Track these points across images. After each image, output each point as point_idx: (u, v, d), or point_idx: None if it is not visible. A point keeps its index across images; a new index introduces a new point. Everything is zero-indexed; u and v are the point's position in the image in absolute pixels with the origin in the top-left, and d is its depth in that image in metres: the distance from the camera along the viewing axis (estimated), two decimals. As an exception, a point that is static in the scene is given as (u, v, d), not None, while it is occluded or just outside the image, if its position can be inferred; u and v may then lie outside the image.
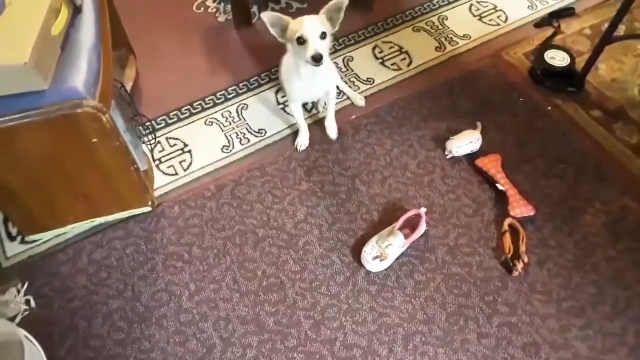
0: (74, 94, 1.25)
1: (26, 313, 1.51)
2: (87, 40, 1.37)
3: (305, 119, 1.90)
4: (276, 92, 2.05)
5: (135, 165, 1.53)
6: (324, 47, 1.51)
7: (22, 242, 1.66)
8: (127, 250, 1.63)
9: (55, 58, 1.28)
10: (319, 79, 1.70)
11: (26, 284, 1.56)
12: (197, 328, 1.48)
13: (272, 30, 1.55)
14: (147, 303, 1.53)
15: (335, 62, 2.13)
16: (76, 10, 1.42)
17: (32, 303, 1.53)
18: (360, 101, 1.99)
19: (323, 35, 1.51)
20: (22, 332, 1.33)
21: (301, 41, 1.50)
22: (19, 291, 1.55)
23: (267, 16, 1.52)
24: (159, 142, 1.89)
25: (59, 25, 1.31)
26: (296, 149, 1.86)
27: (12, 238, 1.67)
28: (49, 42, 1.26)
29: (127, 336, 1.47)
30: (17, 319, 1.49)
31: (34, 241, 1.66)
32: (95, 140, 1.35)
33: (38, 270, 1.59)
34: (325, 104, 1.96)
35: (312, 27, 1.50)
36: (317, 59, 1.48)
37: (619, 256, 1.59)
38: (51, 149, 1.36)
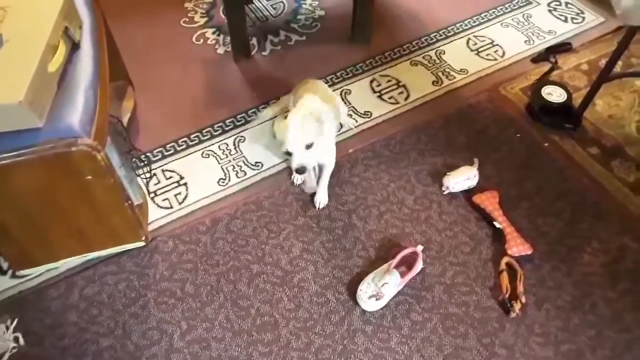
0: (70, 132, 1.24)
1: (14, 351, 1.48)
2: (84, 77, 1.37)
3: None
4: (273, 125, 2.04)
5: (129, 201, 1.52)
6: (310, 157, 1.55)
7: (13, 276, 1.63)
8: (119, 285, 1.61)
9: (51, 95, 1.28)
10: (312, 154, 1.59)
11: (16, 320, 1.54)
12: (188, 368, 1.46)
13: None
14: (138, 342, 1.50)
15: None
16: (74, 47, 1.42)
17: (21, 340, 1.50)
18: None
19: (310, 146, 1.53)
20: (9, 372, 1.31)
21: (287, 153, 1.54)
22: (7, 328, 1.52)
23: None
24: (154, 174, 1.89)
25: (57, 62, 1.31)
26: (292, 182, 1.85)
27: (2, 272, 1.64)
28: (45, 80, 1.26)
29: (117, 376, 1.45)
30: (5, 357, 1.46)
31: (25, 276, 1.63)
32: (89, 177, 1.34)
33: (28, 306, 1.57)
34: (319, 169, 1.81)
35: (296, 142, 1.52)
36: (301, 172, 1.53)
37: (618, 298, 1.57)
38: (45, 185, 1.35)
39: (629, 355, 1.46)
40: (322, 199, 1.78)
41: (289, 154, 1.54)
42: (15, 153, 1.22)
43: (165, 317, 1.54)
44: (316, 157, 1.64)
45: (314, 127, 1.54)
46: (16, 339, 1.50)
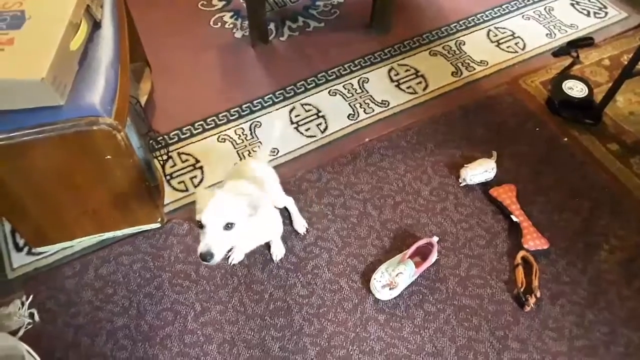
0: (91, 111, 1.24)
1: (29, 327, 1.50)
2: (106, 56, 1.36)
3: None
4: (290, 111, 2.04)
5: (147, 182, 1.52)
6: (225, 242, 1.19)
7: (29, 253, 1.65)
8: (134, 266, 1.61)
9: (72, 74, 1.28)
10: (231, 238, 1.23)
11: (31, 296, 1.55)
12: (201, 350, 1.46)
13: None
14: (152, 322, 1.51)
15: (350, 84, 2.12)
16: (95, 26, 1.42)
17: (36, 317, 1.51)
18: (301, 228, 1.70)
19: (229, 226, 1.18)
20: (24, 347, 1.32)
21: (200, 225, 1.19)
22: (23, 304, 1.53)
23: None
24: (170, 157, 1.88)
25: (78, 40, 1.31)
26: (273, 260, 1.63)
27: (19, 249, 1.66)
28: (67, 58, 1.25)
29: (130, 355, 1.45)
30: (20, 333, 1.48)
31: (41, 253, 1.64)
32: (109, 157, 1.34)
33: (43, 284, 1.58)
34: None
35: (214, 215, 1.17)
36: (204, 259, 1.16)
37: (634, 296, 1.55)
38: (64, 164, 1.35)
39: (643, 353, 1.45)
40: (277, 252, 1.63)
41: (200, 226, 1.19)
42: (36, 130, 1.22)
43: (179, 299, 1.55)
44: (242, 241, 1.38)
45: (244, 209, 1.22)
46: (31, 315, 1.51)
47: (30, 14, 1.27)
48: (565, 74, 2.10)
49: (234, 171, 1.58)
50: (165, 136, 1.94)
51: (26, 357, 1.29)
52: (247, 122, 2.01)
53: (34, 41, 1.21)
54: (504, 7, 2.45)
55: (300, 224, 1.70)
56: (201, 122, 2.00)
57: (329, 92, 2.11)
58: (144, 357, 1.45)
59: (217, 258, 1.17)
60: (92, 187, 1.46)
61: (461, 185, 1.80)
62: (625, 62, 1.82)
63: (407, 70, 2.19)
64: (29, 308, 1.53)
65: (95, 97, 1.26)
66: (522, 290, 1.54)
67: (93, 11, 1.39)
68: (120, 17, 1.54)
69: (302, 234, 1.69)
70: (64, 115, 1.22)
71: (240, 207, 1.22)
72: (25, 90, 1.17)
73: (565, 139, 1.93)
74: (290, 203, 1.70)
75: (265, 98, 2.09)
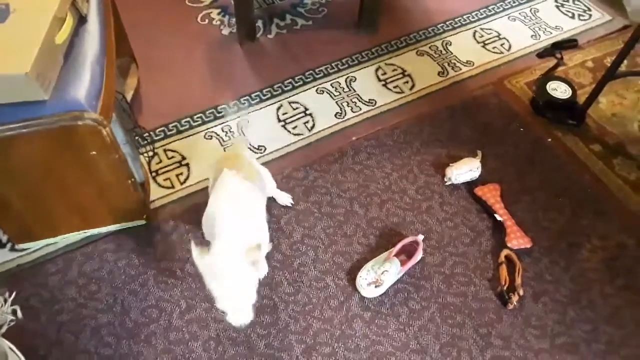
0: (75, 106, 1.23)
1: (12, 324, 1.47)
2: (91, 51, 1.35)
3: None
4: (277, 109, 2.04)
5: (132, 179, 1.51)
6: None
7: (12, 249, 1.62)
8: (118, 263, 1.60)
9: (57, 68, 1.26)
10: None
11: (14, 293, 1.53)
12: (186, 347, 1.46)
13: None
14: (137, 319, 1.50)
15: (337, 82, 2.13)
16: (81, 20, 1.41)
17: (19, 314, 1.49)
18: (287, 199, 1.74)
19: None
20: (7, 344, 1.31)
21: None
22: (5, 300, 1.51)
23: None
24: (156, 153, 1.87)
25: (63, 34, 1.30)
26: None
27: (1, 245, 1.63)
28: (52, 52, 1.24)
29: (115, 352, 1.44)
30: (3, 330, 1.45)
31: (24, 249, 1.62)
32: (94, 153, 1.33)
33: (26, 280, 1.56)
34: None
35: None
36: None
37: (616, 293, 1.58)
38: (48, 159, 1.34)
39: (624, 350, 1.48)
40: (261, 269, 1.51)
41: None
42: (20, 125, 1.21)
43: (164, 296, 1.54)
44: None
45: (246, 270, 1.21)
46: (14, 312, 1.49)
47: (14, 7, 1.25)
48: (549, 75, 2.13)
49: (223, 163, 1.47)
50: (151, 132, 1.93)
51: (9, 354, 1.28)
52: (234, 119, 2.00)
53: (18, 35, 1.20)
54: (490, 8, 2.48)
55: (285, 197, 1.72)
56: (188, 119, 1.99)
57: (316, 90, 2.11)
58: (128, 354, 1.44)
59: None
60: (76, 183, 1.44)
61: (446, 184, 1.81)
62: (609, 64, 1.85)
63: (394, 70, 2.20)
64: (11, 305, 1.50)
65: (80, 92, 1.25)
66: (505, 288, 1.56)
67: (79, 5, 1.38)
68: (106, 12, 1.53)
69: (291, 205, 1.72)
70: (48, 110, 1.21)
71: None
72: (9, 85, 1.16)
73: (550, 140, 1.95)
74: (269, 177, 1.66)
75: (253, 95, 2.08)
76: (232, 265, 1.19)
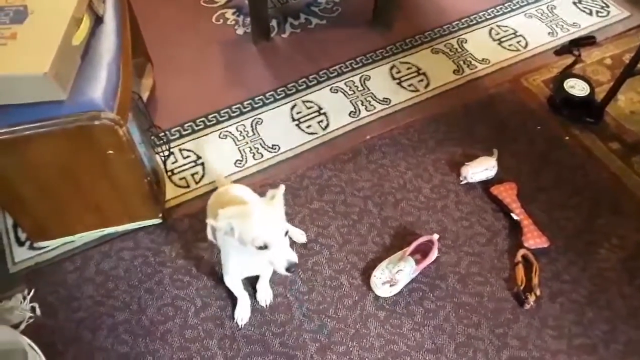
0: (93, 106, 1.25)
1: (31, 321, 1.50)
2: (108, 51, 1.37)
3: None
4: (292, 108, 2.04)
5: (148, 178, 1.52)
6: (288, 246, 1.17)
7: (31, 247, 1.65)
8: (135, 261, 1.62)
9: (75, 68, 1.28)
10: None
11: (32, 290, 1.55)
12: (201, 345, 1.47)
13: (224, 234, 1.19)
14: (153, 317, 1.51)
15: (352, 81, 2.12)
16: (98, 21, 1.42)
17: (38, 311, 1.52)
18: (301, 237, 1.67)
19: (285, 234, 1.17)
20: (26, 340, 1.32)
21: (262, 247, 1.13)
22: (24, 298, 1.54)
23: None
24: (172, 153, 1.89)
25: (81, 35, 1.31)
26: (237, 324, 1.50)
27: (20, 243, 1.66)
28: (69, 52, 1.26)
29: (131, 350, 1.46)
30: (22, 327, 1.48)
31: (42, 248, 1.65)
32: (110, 152, 1.34)
33: (45, 278, 1.58)
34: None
35: (274, 227, 1.14)
36: (290, 270, 1.14)
37: (634, 294, 1.56)
38: (65, 158, 1.35)
39: (643, 351, 1.46)
40: (267, 296, 1.54)
41: (263, 247, 1.13)
42: (38, 124, 1.22)
43: (180, 294, 1.55)
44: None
45: (281, 210, 1.20)
46: (33, 309, 1.52)
47: (32, 8, 1.27)
48: (567, 73, 2.10)
49: (215, 202, 1.47)
50: (167, 132, 1.94)
51: (28, 351, 1.30)
52: (248, 119, 2.01)
53: (37, 36, 1.21)
54: (506, 5, 2.45)
55: (299, 234, 1.67)
56: (203, 119, 2.00)
57: (330, 89, 2.11)
58: (144, 351, 1.45)
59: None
60: (93, 182, 1.46)
61: (462, 183, 1.80)
62: (627, 61, 1.82)
63: (408, 68, 2.19)
64: (30, 302, 1.53)
65: (97, 92, 1.26)
66: (522, 288, 1.54)
67: (95, 6, 1.39)
68: (122, 13, 1.54)
69: (305, 243, 1.66)
70: (66, 110, 1.23)
71: (282, 211, 1.20)
72: (28, 85, 1.18)
73: (567, 138, 1.93)
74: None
75: (267, 95, 2.09)
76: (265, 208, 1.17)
